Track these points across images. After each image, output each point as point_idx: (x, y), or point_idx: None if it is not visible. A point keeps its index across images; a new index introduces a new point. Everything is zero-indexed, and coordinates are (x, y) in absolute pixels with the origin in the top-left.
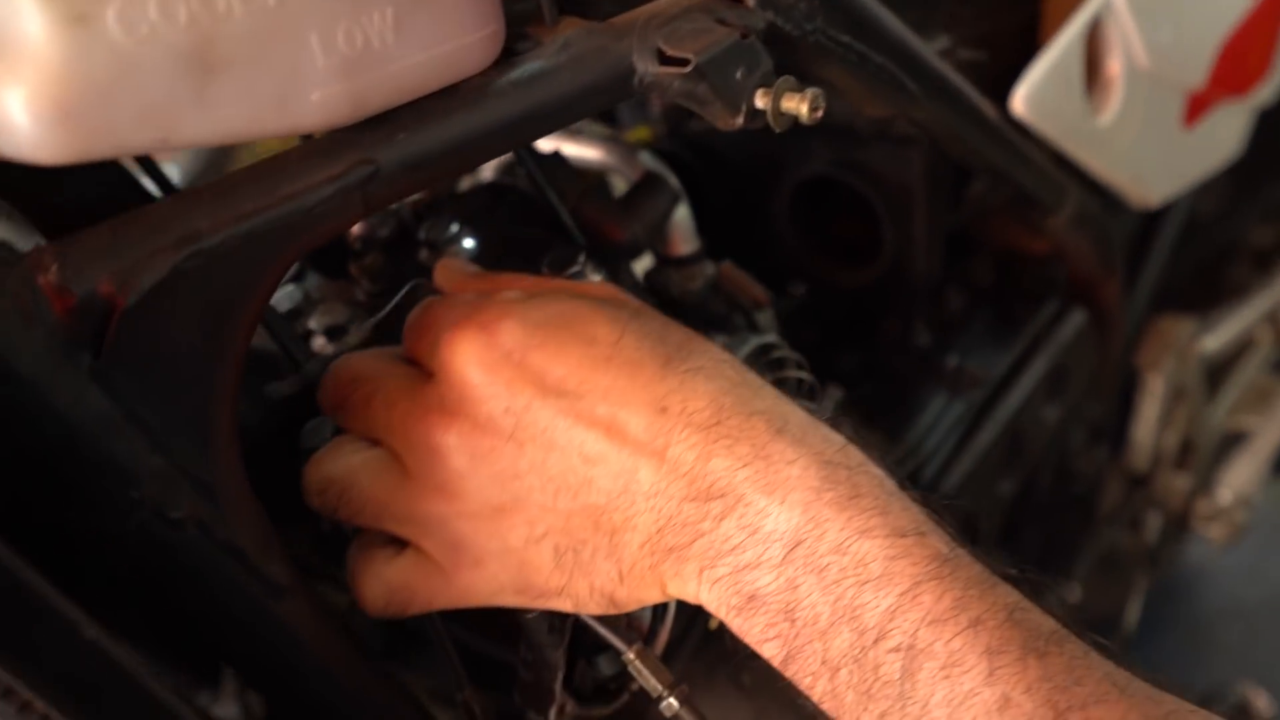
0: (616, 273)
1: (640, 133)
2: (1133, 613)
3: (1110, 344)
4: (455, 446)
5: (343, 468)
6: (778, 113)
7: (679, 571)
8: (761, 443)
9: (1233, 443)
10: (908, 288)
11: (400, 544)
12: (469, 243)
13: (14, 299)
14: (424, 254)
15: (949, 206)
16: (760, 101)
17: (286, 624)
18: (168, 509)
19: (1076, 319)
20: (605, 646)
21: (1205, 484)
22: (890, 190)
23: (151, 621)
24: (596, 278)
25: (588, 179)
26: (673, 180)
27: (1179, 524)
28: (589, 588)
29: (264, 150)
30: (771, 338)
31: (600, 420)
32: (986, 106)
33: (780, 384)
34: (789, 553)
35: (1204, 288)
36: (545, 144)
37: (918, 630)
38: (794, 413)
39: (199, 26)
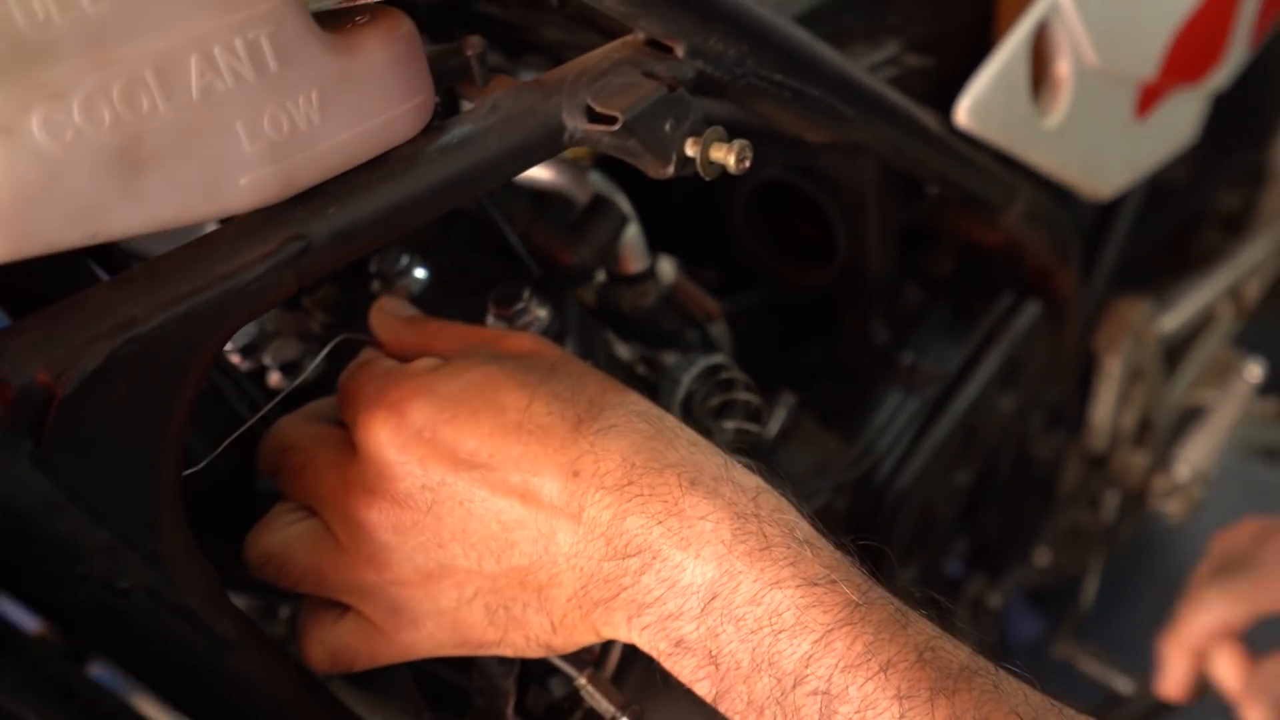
0: (563, 303)
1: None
2: (1090, 589)
3: (1067, 332)
4: (378, 522)
5: (279, 542)
6: (706, 162)
7: (608, 620)
8: (674, 499)
9: (1191, 417)
10: (864, 286)
11: (344, 606)
12: (420, 273)
13: None
14: (376, 285)
15: (903, 204)
16: (690, 150)
17: (239, 675)
18: (115, 580)
19: (1031, 310)
20: (556, 669)
21: (1163, 461)
22: (843, 195)
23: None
24: (542, 312)
25: (547, 199)
26: (622, 202)
27: (1137, 501)
28: (524, 638)
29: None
30: (720, 358)
31: (515, 488)
32: (929, 119)
33: (727, 405)
34: (707, 604)
35: (1173, 253)
36: None
37: (832, 676)
38: (708, 462)
39: (124, 126)
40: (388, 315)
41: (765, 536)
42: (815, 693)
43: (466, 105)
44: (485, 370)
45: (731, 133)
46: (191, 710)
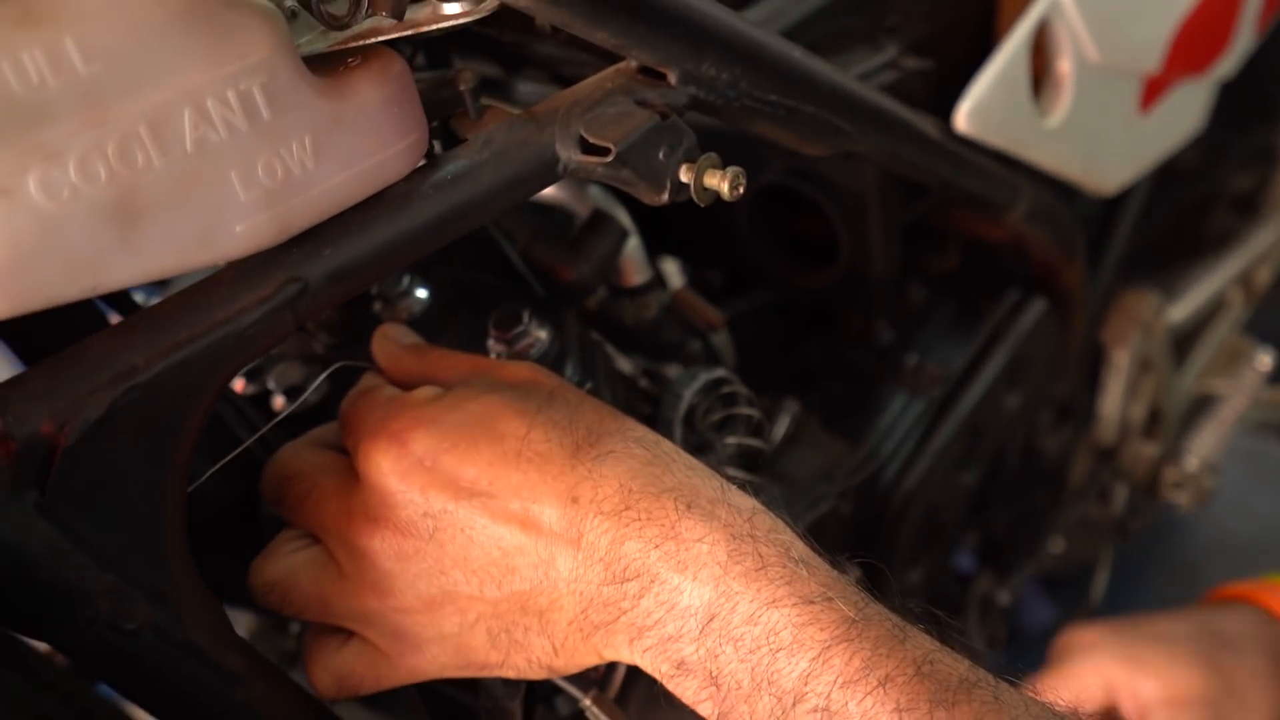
0: (563, 322)
1: None
2: (1100, 583)
3: (1074, 327)
4: (381, 550)
5: (282, 570)
6: (701, 189)
7: (610, 642)
8: (670, 522)
9: (1202, 406)
10: (867, 287)
11: (348, 632)
12: (421, 293)
13: None
14: (377, 306)
15: (905, 204)
16: (684, 177)
17: (247, 707)
18: (123, 621)
19: (1037, 307)
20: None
21: (1173, 452)
22: (843, 197)
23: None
24: (542, 333)
25: (547, 214)
26: (622, 215)
27: (1147, 492)
28: (526, 660)
29: None
30: (722, 372)
31: (515, 515)
32: (927, 125)
33: (729, 420)
34: (705, 626)
35: (1186, 236)
36: None
37: (830, 693)
38: (704, 485)
39: (120, 181)
40: (390, 342)
41: (761, 557)
42: (815, 710)
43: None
44: (485, 400)
45: (729, 141)
46: None
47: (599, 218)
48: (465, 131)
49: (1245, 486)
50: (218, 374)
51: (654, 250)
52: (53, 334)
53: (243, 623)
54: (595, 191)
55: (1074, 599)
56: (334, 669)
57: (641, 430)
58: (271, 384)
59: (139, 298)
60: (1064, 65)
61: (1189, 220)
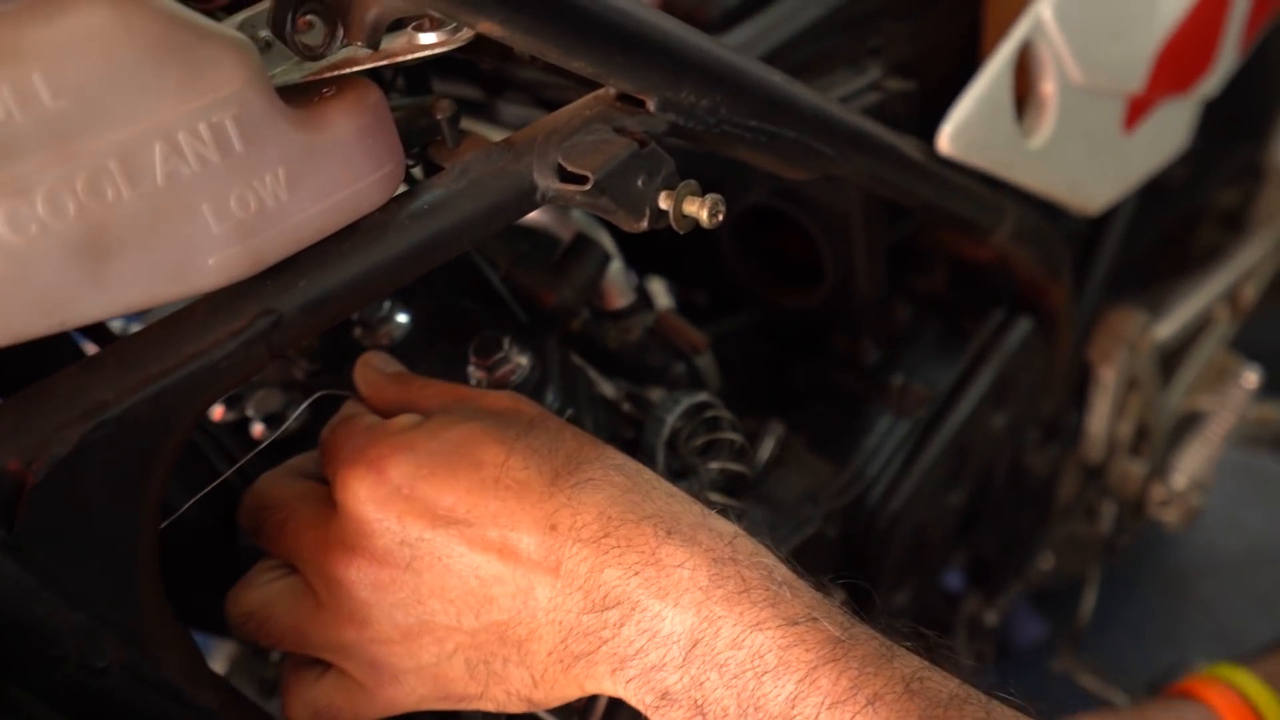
0: (544, 349)
1: None
2: (1089, 601)
3: (1060, 346)
4: (357, 580)
5: (258, 600)
6: (680, 216)
7: (591, 674)
8: (650, 548)
9: (1189, 423)
10: (853, 307)
11: (325, 664)
12: (402, 319)
13: None
14: (358, 332)
15: (890, 224)
16: (664, 204)
17: None
18: (92, 660)
19: (1023, 327)
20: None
21: (1160, 469)
22: (828, 217)
23: None
24: (523, 359)
25: (530, 237)
26: (604, 239)
27: (1135, 510)
28: (505, 693)
29: None
30: (704, 396)
31: (493, 544)
32: (910, 148)
33: (713, 444)
34: (689, 652)
35: (1173, 251)
36: None
37: (819, 714)
38: (685, 511)
39: (89, 216)
40: (372, 370)
41: (744, 580)
42: None
43: None
44: (464, 427)
45: (711, 163)
46: None
47: (581, 241)
48: (443, 160)
49: (1235, 501)
50: (190, 408)
51: (640, 271)
52: (24, 366)
53: (222, 650)
54: (578, 215)
55: (1064, 614)
56: (310, 702)
57: (622, 458)
58: (250, 411)
59: (116, 326)
60: (1047, 86)
61: (1175, 237)
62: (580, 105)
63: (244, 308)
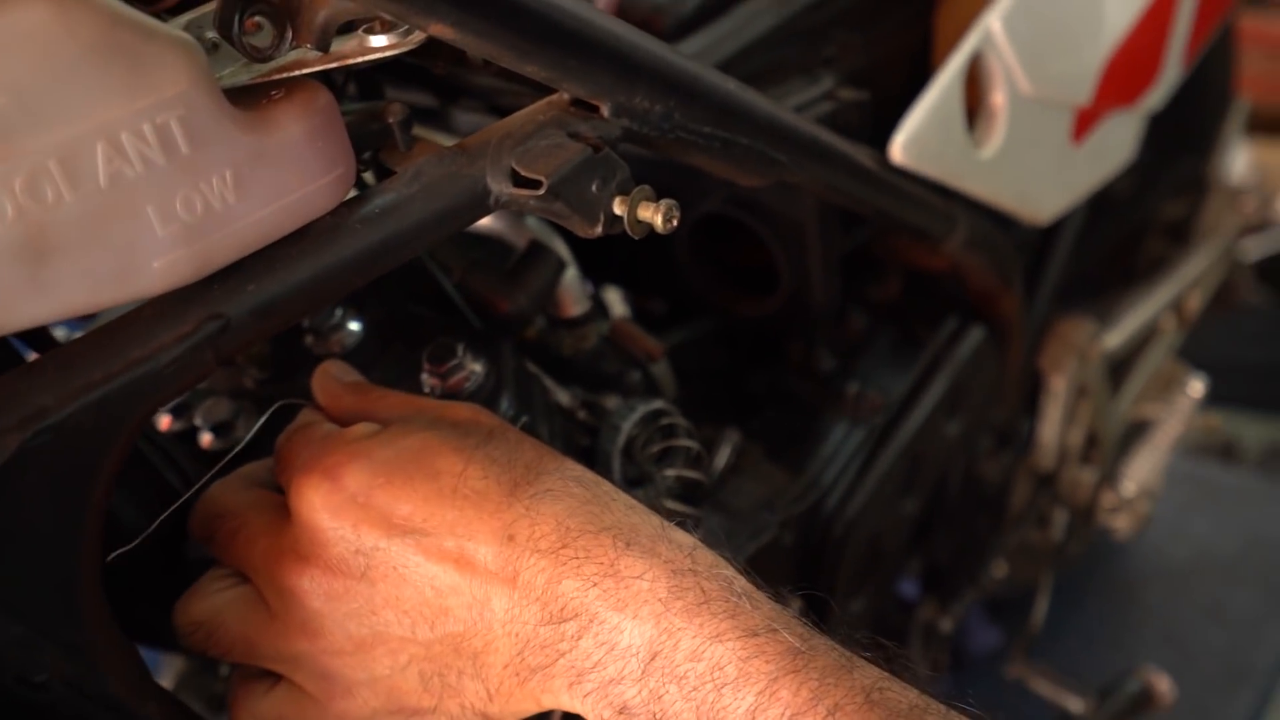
0: (499, 356)
1: None
2: (1041, 608)
3: (1012, 354)
4: (310, 589)
5: (208, 609)
6: (634, 221)
7: (547, 688)
8: (609, 560)
9: (1137, 431)
10: (808, 315)
11: (276, 676)
12: (354, 326)
13: None
14: (309, 339)
15: (845, 232)
16: (618, 209)
17: None
18: (31, 674)
19: (975, 336)
20: None
21: (1110, 477)
22: (783, 226)
23: None
24: (477, 366)
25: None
26: (559, 246)
27: (1085, 518)
28: (459, 706)
29: None
30: (660, 404)
31: (449, 554)
32: (863, 156)
33: (669, 452)
34: (648, 665)
35: (1120, 262)
36: None
37: None
38: (643, 523)
39: (28, 217)
40: (330, 379)
41: (703, 591)
42: None
43: None
44: (422, 436)
45: (667, 170)
46: None
47: (536, 248)
48: (395, 164)
49: (1182, 509)
50: (134, 414)
51: (595, 279)
52: None
53: (170, 666)
54: (532, 222)
55: (1017, 622)
56: (260, 715)
57: (580, 470)
58: (198, 420)
59: (59, 334)
60: (997, 97)
61: (1123, 248)
62: (534, 110)
63: (190, 312)
